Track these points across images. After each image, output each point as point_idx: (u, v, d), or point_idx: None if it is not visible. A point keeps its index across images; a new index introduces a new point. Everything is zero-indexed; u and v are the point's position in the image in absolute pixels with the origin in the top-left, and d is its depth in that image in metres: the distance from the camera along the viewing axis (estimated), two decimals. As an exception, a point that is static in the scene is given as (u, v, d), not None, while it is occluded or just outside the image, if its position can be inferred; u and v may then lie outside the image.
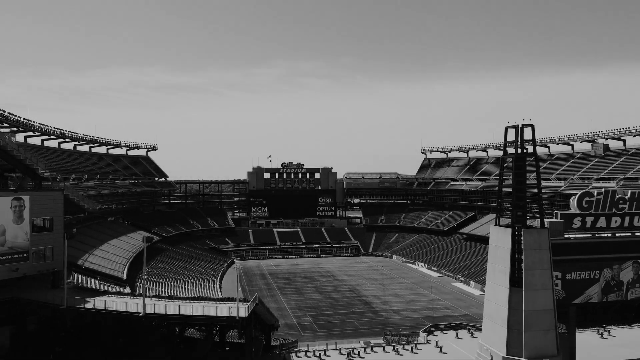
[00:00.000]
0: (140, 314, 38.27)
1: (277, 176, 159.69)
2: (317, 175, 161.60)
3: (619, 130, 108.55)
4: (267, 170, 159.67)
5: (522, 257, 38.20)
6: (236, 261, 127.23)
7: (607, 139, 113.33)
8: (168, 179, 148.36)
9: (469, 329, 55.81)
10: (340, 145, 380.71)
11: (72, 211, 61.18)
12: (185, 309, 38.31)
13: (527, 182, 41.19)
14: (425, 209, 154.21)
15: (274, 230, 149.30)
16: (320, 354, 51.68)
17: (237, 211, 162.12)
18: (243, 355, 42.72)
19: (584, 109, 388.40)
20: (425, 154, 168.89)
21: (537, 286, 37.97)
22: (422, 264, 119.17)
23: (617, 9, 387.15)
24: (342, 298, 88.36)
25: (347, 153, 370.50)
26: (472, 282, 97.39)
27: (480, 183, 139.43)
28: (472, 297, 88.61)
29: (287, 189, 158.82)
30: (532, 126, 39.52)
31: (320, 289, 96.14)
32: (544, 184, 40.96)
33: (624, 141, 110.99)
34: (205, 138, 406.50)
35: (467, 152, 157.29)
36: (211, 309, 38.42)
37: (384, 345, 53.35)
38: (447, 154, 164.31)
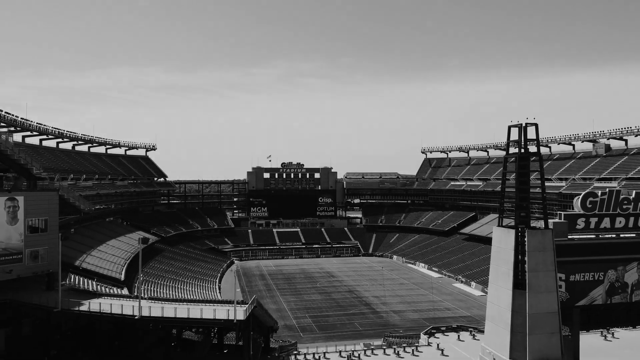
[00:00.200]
0: (136, 317, 37.54)
1: (276, 176, 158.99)
2: (317, 175, 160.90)
3: (620, 129, 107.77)
4: (267, 170, 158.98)
5: (526, 258, 37.45)
6: (235, 262, 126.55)
7: (608, 139, 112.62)
8: (167, 179, 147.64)
9: (471, 331, 55.11)
10: (340, 145, 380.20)
11: (68, 212, 60.36)
12: (182, 311, 37.58)
13: (530, 182, 40.42)
14: (426, 209, 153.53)
15: (274, 230, 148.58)
16: (319, 356, 50.99)
17: (236, 211, 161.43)
18: (241, 358, 41.99)
19: (585, 109, 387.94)
20: (426, 154, 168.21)
21: (541, 288, 37.20)
22: (423, 265, 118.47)
23: (618, 9, 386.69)
24: (342, 299, 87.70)
25: (347, 153, 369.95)
26: (473, 283, 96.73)
27: (480, 183, 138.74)
28: (473, 298, 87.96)
29: (287, 189, 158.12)
30: (536, 125, 38.78)
31: (320, 289, 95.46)
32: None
33: (626, 141, 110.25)
34: (205, 138, 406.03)
35: (467, 152, 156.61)
36: (208, 312, 37.67)
37: (384, 347, 52.65)
38: (447, 153, 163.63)
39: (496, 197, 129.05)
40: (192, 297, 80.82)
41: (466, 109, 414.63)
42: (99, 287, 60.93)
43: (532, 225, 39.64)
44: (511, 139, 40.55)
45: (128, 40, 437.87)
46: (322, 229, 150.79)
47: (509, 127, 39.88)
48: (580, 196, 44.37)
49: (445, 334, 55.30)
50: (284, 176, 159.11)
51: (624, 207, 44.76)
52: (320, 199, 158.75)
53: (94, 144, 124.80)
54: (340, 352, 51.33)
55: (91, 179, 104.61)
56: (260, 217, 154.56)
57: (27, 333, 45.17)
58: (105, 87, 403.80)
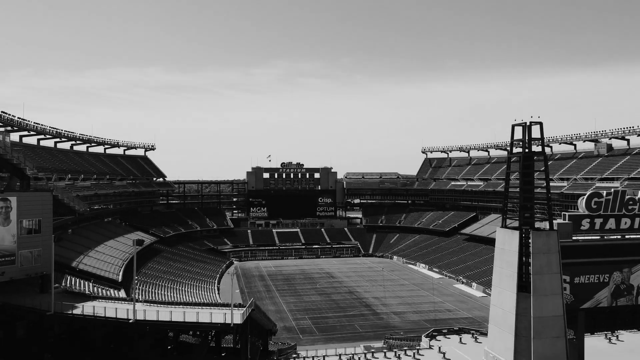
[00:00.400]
0: (131, 321, 36.66)
1: (276, 176, 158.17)
2: (316, 175, 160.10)
3: (622, 129, 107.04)
4: (267, 170, 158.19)
5: (530, 260, 36.56)
6: (235, 262, 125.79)
7: (610, 139, 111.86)
8: (166, 179, 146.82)
9: (473, 334, 54.23)
10: (340, 145, 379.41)
11: (62, 212, 59.50)
12: (178, 315, 36.70)
13: (534, 182, 39.55)
14: (426, 209, 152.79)
15: (273, 230, 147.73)
16: (319, 360, 50.10)
17: (236, 211, 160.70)
18: (239, 361, 41.16)
19: (587, 109, 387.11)
20: (426, 154, 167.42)
21: (546, 291, 36.28)
22: (423, 265, 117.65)
23: (620, 8, 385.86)
24: (342, 300, 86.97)
25: (347, 153, 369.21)
26: (474, 284, 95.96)
27: (481, 183, 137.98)
28: (474, 299, 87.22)
29: (287, 189, 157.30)
30: (541, 124, 37.87)
31: (320, 290, 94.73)
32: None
33: (628, 141, 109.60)
34: (205, 138, 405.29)
35: (468, 152, 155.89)
36: (205, 315, 36.78)
37: (385, 350, 51.74)
38: (448, 153, 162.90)
39: (497, 197, 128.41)
40: (190, 298, 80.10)
41: (466, 109, 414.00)
42: (95, 288, 60.11)
43: (536, 226, 38.70)
44: (515, 138, 39.61)
45: (128, 40, 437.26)
46: (322, 230, 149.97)
47: (513, 126, 38.99)
48: (585, 196, 43.48)
49: (447, 336, 54.37)
50: (284, 176, 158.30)
51: (630, 207, 43.84)
52: (320, 199, 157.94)
53: (93, 144, 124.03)
54: (340, 355, 50.41)
55: (89, 179, 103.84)
56: (260, 218, 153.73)
57: (22, 336, 44.34)
58: (105, 87, 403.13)
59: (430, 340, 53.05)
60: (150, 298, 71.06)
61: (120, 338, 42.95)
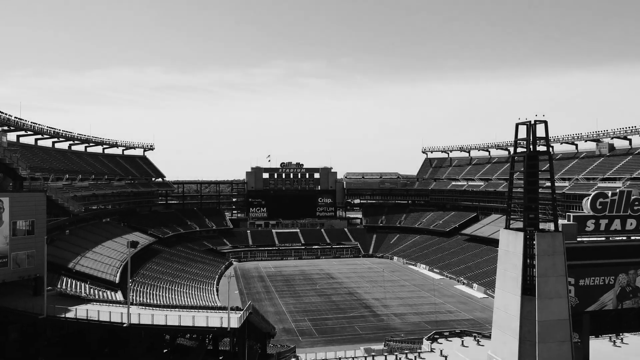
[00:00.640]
0: (125, 325, 35.74)
1: (276, 176, 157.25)
2: (316, 175, 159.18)
3: (624, 129, 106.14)
4: (266, 170, 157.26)
5: (535, 262, 35.66)
6: (234, 263, 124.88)
7: (612, 138, 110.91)
8: (165, 179, 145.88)
9: (475, 336, 53.36)
10: (340, 145, 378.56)
11: (57, 213, 58.54)
12: (173, 319, 35.75)
13: (539, 182, 38.59)
14: (427, 209, 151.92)
15: (273, 231, 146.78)
16: (318, 363, 49.22)
17: (235, 212, 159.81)
18: (237, 365, 40.27)
19: (588, 109, 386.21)
20: (426, 154, 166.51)
21: (551, 294, 35.37)
22: (424, 266, 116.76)
23: (620, 8, 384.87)
24: (342, 301, 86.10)
25: (347, 153, 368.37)
26: (475, 285, 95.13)
27: (482, 183, 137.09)
28: (475, 301, 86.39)
29: (286, 189, 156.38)
30: (545, 122, 36.97)
31: (320, 291, 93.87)
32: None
33: (630, 140, 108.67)
34: (205, 138, 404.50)
35: (468, 152, 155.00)
36: (201, 319, 35.84)
37: (385, 354, 50.92)
38: (448, 153, 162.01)
39: (498, 198, 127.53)
40: (189, 299, 79.20)
41: (467, 109, 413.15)
42: (92, 290, 59.21)
43: (540, 227, 37.80)
44: (519, 137, 38.70)
45: (128, 40, 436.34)
46: (322, 230, 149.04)
47: (517, 125, 38.08)
48: (590, 197, 42.70)
49: (449, 339, 53.54)
50: (284, 176, 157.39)
51: (635, 208, 43.10)
52: (320, 200, 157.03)
53: (91, 144, 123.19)
54: (340, 358, 49.58)
55: (87, 179, 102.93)
56: (259, 218, 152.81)
57: (15, 338, 43.48)
58: (105, 87, 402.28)
59: (431, 343, 52.20)
60: (148, 299, 70.23)
61: (116, 341, 42.10)
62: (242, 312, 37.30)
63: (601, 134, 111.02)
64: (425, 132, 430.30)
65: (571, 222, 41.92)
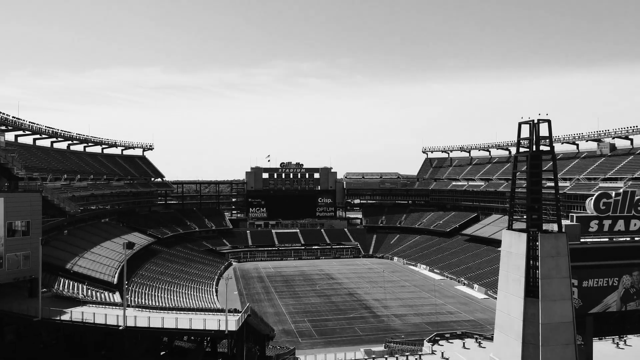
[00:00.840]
0: (120, 328, 35.10)
1: (275, 176, 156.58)
2: (316, 176, 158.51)
3: (626, 128, 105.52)
4: (266, 170, 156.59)
5: (538, 264, 35.03)
6: (233, 263, 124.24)
7: (613, 138, 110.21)
8: (165, 179, 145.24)
9: (477, 338, 52.76)
10: (340, 145, 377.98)
11: (53, 214, 57.88)
12: (170, 321, 35.10)
13: (542, 182, 37.97)
14: (427, 209, 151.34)
15: (273, 231, 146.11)
16: (318, 365, 48.61)
17: (235, 212, 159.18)
18: (235, 368, 39.64)
19: (589, 109, 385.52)
20: (427, 154, 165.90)
21: (555, 296, 34.74)
22: (424, 266, 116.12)
23: (622, 7, 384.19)
24: (342, 302, 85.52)
25: (347, 153, 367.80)
26: (475, 285, 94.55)
27: (482, 183, 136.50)
28: (476, 301, 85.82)
29: (286, 189, 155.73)
30: (549, 121, 36.37)
31: (320, 292, 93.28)
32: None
33: (631, 140, 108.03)
34: (204, 138, 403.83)
35: (469, 152, 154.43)
36: (198, 322, 35.19)
37: (386, 356, 50.30)
38: (448, 153, 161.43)
39: (498, 198, 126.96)
40: (188, 300, 78.58)
41: (467, 109, 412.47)
42: (89, 291, 58.60)
43: (544, 228, 37.17)
44: (522, 136, 38.05)
45: (128, 40, 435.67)
46: (322, 230, 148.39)
47: (520, 124, 37.46)
48: (593, 197, 42.11)
49: (450, 341, 52.95)
50: (283, 176, 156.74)
51: (639, 208, 42.48)
52: (320, 200, 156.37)
53: (90, 144, 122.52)
54: (340, 360, 49.02)
55: (86, 179, 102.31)
56: (259, 218, 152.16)
57: (12, 340, 42.90)
58: (105, 87, 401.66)
59: (432, 345, 51.60)
60: (146, 300, 69.64)
61: (112, 343, 41.48)
62: (240, 314, 36.66)
63: (602, 134, 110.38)
64: (425, 132, 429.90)
65: (574, 223, 41.34)
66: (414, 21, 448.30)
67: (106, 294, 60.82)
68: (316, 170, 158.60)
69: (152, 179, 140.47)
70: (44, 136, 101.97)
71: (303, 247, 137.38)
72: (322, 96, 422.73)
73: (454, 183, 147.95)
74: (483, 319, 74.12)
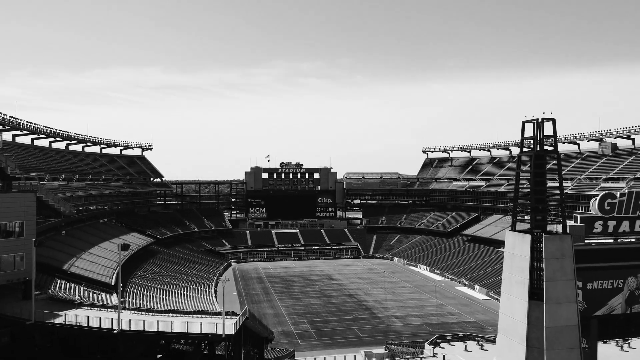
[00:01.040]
0: (115, 331, 34.33)
1: (275, 176, 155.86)
2: (316, 176, 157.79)
3: (628, 128, 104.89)
4: (266, 170, 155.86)
5: (542, 266, 34.28)
6: (233, 264, 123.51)
7: (615, 138, 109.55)
8: (164, 179, 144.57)
9: (478, 341, 51.97)
10: (340, 145, 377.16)
11: (48, 214, 57.11)
12: (166, 325, 34.32)
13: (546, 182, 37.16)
14: (427, 209, 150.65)
15: (272, 231, 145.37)
16: (318, 368, 47.87)
17: (234, 212, 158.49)
18: (233, 371, 38.90)
19: (589, 109, 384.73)
20: (427, 154, 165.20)
21: (559, 299, 33.96)
22: (425, 267, 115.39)
23: (621, 8, 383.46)
24: (342, 303, 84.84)
25: (347, 153, 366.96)
26: (476, 286, 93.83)
27: (483, 183, 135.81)
28: (477, 302, 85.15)
29: (286, 190, 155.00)
30: (553, 120, 35.58)
31: (319, 293, 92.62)
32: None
33: (633, 140, 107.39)
34: (204, 138, 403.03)
35: (469, 152, 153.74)
36: (194, 325, 34.41)
37: (387, 358, 49.54)
38: (449, 153, 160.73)
39: (499, 198, 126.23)
40: (187, 301, 77.82)
41: (468, 109, 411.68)
42: (86, 293, 57.90)
43: (548, 229, 36.39)
44: (526, 135, 37.27)
45: (128, 40, 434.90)
46: (322, 230, 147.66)
47: (523, 123, 36.69)
48: (598, 198, 41.35)
49: (452, 343, 52.12)
50: (283, 176, 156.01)
51: (644, 209, 41.69)
52: (320, 200, 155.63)
53: (88, 144, 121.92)
54: (339, 363, 48.26)
55: (84, 180, 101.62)
56: (259, 218, 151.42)
57: (6, 342, 42.18)
58: (105, 87, 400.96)
59: (434, 347, 50.80)
60: (144, 302, 68.93)
61: (108, 346, 40.75)
62: (237, 317, 35.92)
63: (604, 134, 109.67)
64: (425, 132, 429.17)
65: (578, 224, 40.58)
66: (414, 21, 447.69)
67: (103, 295, 60.12)
68: (316, 170, 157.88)
69: (151, 179, 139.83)
70: (42, 136, 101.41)
71: (303, 248, 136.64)
72: (322, 96, 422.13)
73: (454, 183, 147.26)
74: (484, 321, 73.48)
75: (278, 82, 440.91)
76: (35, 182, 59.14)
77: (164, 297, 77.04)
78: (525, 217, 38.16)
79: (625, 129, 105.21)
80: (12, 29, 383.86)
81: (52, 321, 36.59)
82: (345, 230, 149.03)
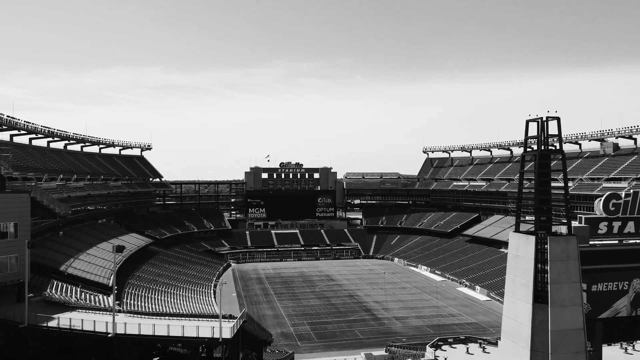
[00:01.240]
0: (110, 335, 33.58)
1: (275, 176, 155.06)
2: (316, 176, 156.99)
3: (629, 128, 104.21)
4: (265, 170, 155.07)
5: (547, 268, 33.56)
6: (232, 264, 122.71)
7: (617, 138, 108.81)
8: (163, 179, 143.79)
9: (480, 343, 51.11)
10: (340, 145, 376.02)
11: (43, 215, 56.36)
12: (162, 329, 33.58)
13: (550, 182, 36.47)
14: (428, 210, 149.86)
15: (272, 232, 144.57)
16: (317, 371, 47.12)
17: (234, 212, 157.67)
18: (231, 375, 38.15)
19: (590, 109, 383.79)
20: (427, 154, 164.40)
21: (565, 302, 33.24)
22: (425, 267, 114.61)
23: (621, 8, 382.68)
24: (342, 304, 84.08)
25: (347, 153, 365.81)
26: (477, 287, 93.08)
27: (484, 183, 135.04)
28: (478, 303, 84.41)
29: (286, 190, 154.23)
30: (558, 119, 34.91)
31: (319, 294, 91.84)
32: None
33: (635, 140, 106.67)
34: (204, 138, 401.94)
35: (470, 152, 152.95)
36: (191, 329, 33.68)
37: (387, 361, 48.80)
38: (449, 153, 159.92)
39: (500, 198, 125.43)
40: (186, 302, 77.11)
41: (468, 109, 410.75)
42: (83, 294, 57.15)
43: (553, 230, 35.67)
44: (530, 134, 36.53)
45: (128, 40, 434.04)
46: (322, 231, 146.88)
47: (527, 122, 35.98)
48: (603, 198, 40.66)
49: (453, 345, 51.30)
50: (283, 176, 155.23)
51: (650, 209, 40.97)
52: (320, 200, 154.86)
53: (87, 144, 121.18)
54: (339, 366, 47.50)
55: (83, 180, 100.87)
56: (258, 219, 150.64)
57: (0, 345, 41.44)
58: (105, 87, 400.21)
59: (435, 350, 49.98)
60: (142, 303, 68.19)
61: (103, 349, 40.00)
62: (235, 320, 35.15)
63: (605, 134, 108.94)
64: (425, 132, 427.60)
65: (582, 225, 39.88)
66: (414, 21, 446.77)
67: (100, 296, 59.35)
68: (316, 170, 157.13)
69: (150, 179, 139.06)
70: (40, 136, 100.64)
71: (303, 248, 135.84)
72: (322, 96, 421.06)
73: (455, 183, 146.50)
74: (485, 322, 72.75)
75: (278, 82, 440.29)
76: (32, 182, 58.47)
77: (163, 298, 76.33)
78: (527, 218, 37.46)
79: (627, 128, 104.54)
80: (12, 29, 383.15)
81: (45, 324, 35.85)
82: (345, 230, 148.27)
